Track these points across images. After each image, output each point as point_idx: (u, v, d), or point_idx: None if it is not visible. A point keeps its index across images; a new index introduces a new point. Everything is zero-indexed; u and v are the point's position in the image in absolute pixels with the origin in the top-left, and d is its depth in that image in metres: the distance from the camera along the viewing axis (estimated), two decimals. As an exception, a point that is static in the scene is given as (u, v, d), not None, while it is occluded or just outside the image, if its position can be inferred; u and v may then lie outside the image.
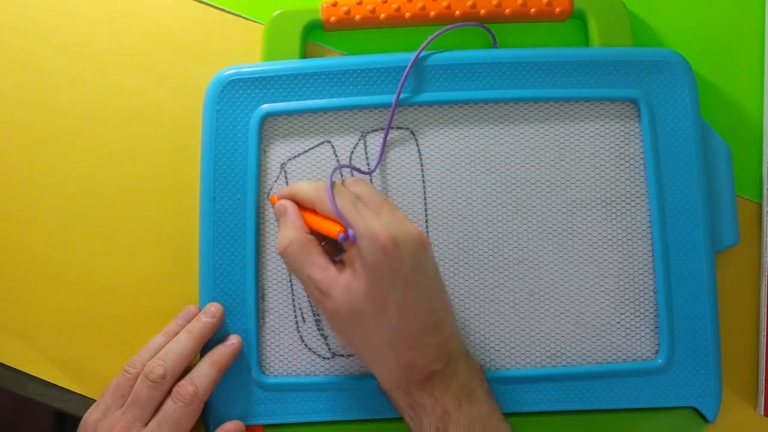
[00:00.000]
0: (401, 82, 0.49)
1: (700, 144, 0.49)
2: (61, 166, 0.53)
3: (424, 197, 0.50)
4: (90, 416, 0.46)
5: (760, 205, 0.52)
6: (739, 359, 0.51)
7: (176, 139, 0.52)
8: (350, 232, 0.41)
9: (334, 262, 0.43)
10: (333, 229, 0.42)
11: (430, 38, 0.49)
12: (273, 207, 0.48)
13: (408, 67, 0.49)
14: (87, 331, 0.52)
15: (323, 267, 0.43)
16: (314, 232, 0.45)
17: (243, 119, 0.50)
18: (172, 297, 0.51)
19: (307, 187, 0.45)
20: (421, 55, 0.50)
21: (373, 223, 0.42)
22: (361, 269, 0.41)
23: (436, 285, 0.44)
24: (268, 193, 0.50)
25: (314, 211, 0.45)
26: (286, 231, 0.45)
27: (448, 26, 0.50)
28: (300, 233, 0.44)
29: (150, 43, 0.53)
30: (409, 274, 0.41)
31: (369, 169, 0.49)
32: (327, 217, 0.44)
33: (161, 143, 0.53)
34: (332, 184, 0.43)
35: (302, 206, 0.46)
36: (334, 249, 0.45)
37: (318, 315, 0.49)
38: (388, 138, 0.50)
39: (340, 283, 0.42)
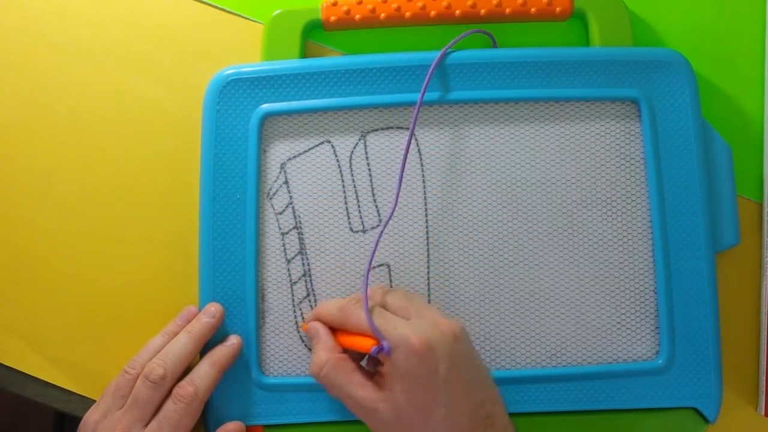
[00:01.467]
0: (425, 83, 0.48)
1: (700, 144, 0.49)
2: (61, 166, 0.53)
3: (424, 197, 0.50)
4: (90, 417, 0.46)
5: (760, 205, 0.52)
6: (740, 359, 0.51)
7: (176, 139, 0.52)
8: (384, 344, 0.41)
9: (372, 376, 0.43)
10: (366, 344, 0.42)
11: (452, 41, 0.49)
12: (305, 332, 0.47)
13: (432, 67, 0.49)
14: (87, 331, 0.52)
15: (362, 384, 0.42)
16: (347, 350, 0.44)
17: (243, 119, 0.50)
18: (172, 297, 0.51)
19: (331, 308, 0.45)
20: (421, 55, 0.50)
21: (403, 330, 0.41)
22: (400, 379, 0.41)
23: (480, 376, 0.42)
24: (268, 193, 0.50)
25: (343, 330, 0.45)
26: (318, 353, 0.44)
27: (463, 34, 0.50)
28: (333, 354, 0.44)
29: (150, 43, 0.53)
30: (448, 373, 0.41)
31: (380, 221, 0.49)
32: (357, 333, 0.43)
33: (161, 143, 0.53)
34: (354, 300, 0.43)
35: (331, 326, 0.46)
36: (371, 362, 0.44)
37: (318, 315, 0.49)
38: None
39: (383, 398, 0.41)
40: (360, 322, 0.43)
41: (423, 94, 0.48)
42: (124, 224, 0.52)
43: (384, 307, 0.44)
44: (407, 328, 0.41)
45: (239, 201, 0.49)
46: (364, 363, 0.45)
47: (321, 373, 0.43)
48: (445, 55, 0.49)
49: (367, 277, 0.45)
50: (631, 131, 0.50)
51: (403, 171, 0.47)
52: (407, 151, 0.48)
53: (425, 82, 0.48)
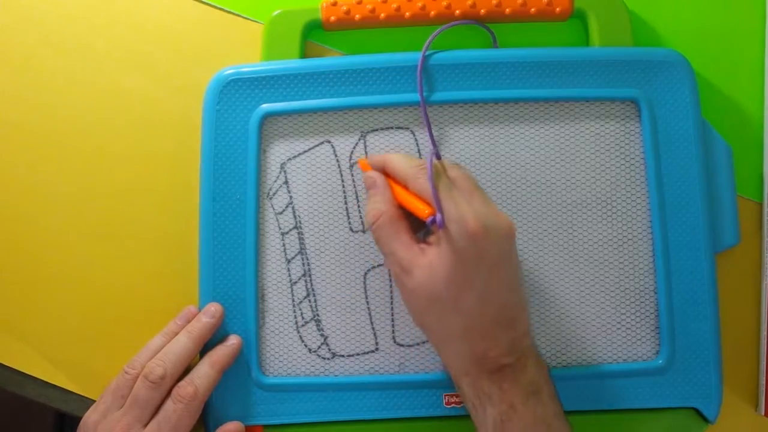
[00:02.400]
0: (419, 82, 0.49)
1: (700, 144, 0.49)
2: (61, 166, 0.53)
3: (424, 197, 0.50)
4: (90, 417, 0.46)
5: (760, 205, 0.52)
6: (740, 359, 0.51)
7: (176, 139, 0.52)
8: (438, 217, 0.41)
9: (419, 241, 0.43)
10: (423, 210, 0.42)
11: (432, 36, 0.49)
12: (362, 173, 0.47)
13: (419, 67, 0.49)
14: (87, 331, 0.52)
15: (408, 245, 0.43)
16: (400, 207, 0.44)
17: (243, 119, 0.50)
18: (172, 297, 0.51)
19: (401, 161, 0.45)
20: (420, 55, 0.50)
21: (464, 208, 0.41)
22: (447, 252, 0.41)
23: (516, 280, 0.43)
24: (268, 193, 0.50)
25: (404, 186, 0.44)
26: (376, 204, 0.44)
27: (449, 23, 0.50)
28: (390, 207, 0.44)
29: (150, 43, 0.53)
30: (493, 264, 0.41)
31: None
32: (417, 196, 0.43)
33: (161, 143, 0.53)
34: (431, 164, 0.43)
35: (392, 179, 0.45)
36: (419, 225, 0.44)
37: (318, 315, 0.49)
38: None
39: (423, 263, 0.42)
40: (424, 186, 0.42)
41: (421, 85, 0.49)
42: (124, 224, 0.52)
43: (453, 182, 0.43)
44: (468, 207, 0.41)
45: (239, 201, 0.49)
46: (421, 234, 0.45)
47: (376, 223, 0.44)
48: (449, 56, 0.50)
49: (433, 143, 0.44)
50: (631, 131, 0.50)
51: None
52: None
53: (419, 71, 0.49)
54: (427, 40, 0.49)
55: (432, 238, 0.42)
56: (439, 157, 0.47)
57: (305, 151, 0.50)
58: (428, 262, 0.42)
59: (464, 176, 0.44)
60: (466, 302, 0.41)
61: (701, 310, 0.48)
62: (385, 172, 0.46)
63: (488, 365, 0.42)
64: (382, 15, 0.51)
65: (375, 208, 0.44)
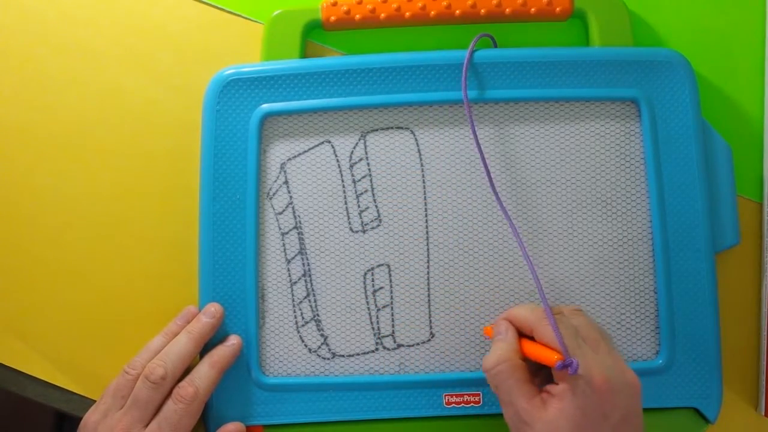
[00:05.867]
0: (463, 80, 0.49)
1: (700, 144, 0.49)
2: (61, 166, 0.53)
3: (424, 197, 0.50)
4: (90, 417, 0.46)
5: (760, 205, 0.52)
6: (740, 359, 0.51)
7: (176, 139, 0.52)
8: (574, 361, 0.39)
9: (540, 391, 0.42)
10: (551, 357, 0.40)
11: (474, 39, 0.50)
12: (487, 336, 0.46)
13: (465, 66, 0.49)
14: (87, 331, 0.52)
15: (529, 396, 0.41)
16: (526, 360, 0.43)
17: (243, 119, 0.50)
18: (172, 297, 0.51)
19: (525, 309, 0.44)
20: (421, 55, 0.50)
21: (590, 360, 0.40)
22: (570, 407, 0.39)
23: None
24: (268, 193, 0.50)
25: (530, 335, 0.43)
26: (499, 351, 0.43)
27: (480, 35, 0.50)
28: (513, 356, 0.42)
29: (150, 43, 0.53)
30: (618, 422, 0.40)
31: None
32: (544, 344, 0.42)
33: (161, 143, 0.53)
34: (552, 312, 0.42)
35: (520, 331, 0.44)
36: (543, 382, 0.43)
37: (318, 315, 0.49)
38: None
39: (545, 417, 0.40)
40: (550, 333, 0.41)
41: (465, 92, 0.49)
42: (124, 224, 0.52)
43: (576, 331, 0.42)
44: (594, 360, 0.40)
45: (239, 201, 0.49)
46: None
47: (495, 369, 0.42)
48: (449, 56, 0.50)
49: (542, 293, 0.43)
50: (631, 131, 0.50)
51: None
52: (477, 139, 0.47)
53: (463, 81, 0.49)
54: (471, 42, 0.49)
55: (554, 389, 0.41)
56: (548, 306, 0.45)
57: (305, 151, 0.50)
58: (551, 417, 0.40)
59: (589, 324, 0.43)
60: None
61: (701, 310, 0.48)
62: (513, 324, 0.45)
63: None
64: (382, 15, 0.51)
65: (498, 354, 0.43)
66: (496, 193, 0.47)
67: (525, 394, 0.41)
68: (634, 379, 0.41)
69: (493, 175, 0.50)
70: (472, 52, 0.49)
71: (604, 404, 0.40)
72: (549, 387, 0.41)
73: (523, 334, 0.44)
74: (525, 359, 0.43)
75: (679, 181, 0.49)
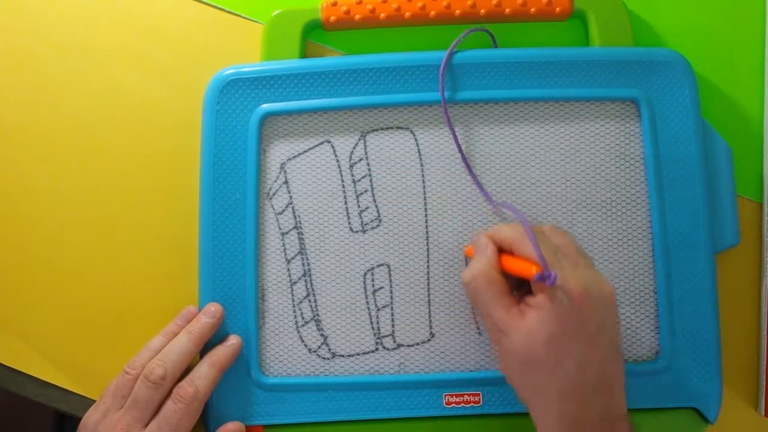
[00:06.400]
0: (440, 82, 0.49)
1: (700, 144, 0.49)
2: (61, 166, 0.53)
3: (424, 197, 0.50)
4: (90, 417, 0.46)
5: (760, 205, 0.52)
6: (740, 359, 0.51)
7: (176, 139, 0.52)
8: (552, 273, 0.40)
9: (518, 302, 0.43)
10: (529, 269, 0.41)
11: (456, 40, 0.50)
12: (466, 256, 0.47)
13: (442, 69, 0.49)
14: (87, 331, 0.52)
15: (507, 307, 0.42)
16: (506, 275, 0.44)
17: (243, 119, 0.50)
18: (172, 297, 0.51)
19: (506, 228, 0.45)
20: (420, 55, 0.50)
21: (568, 273, 0.41)
22: (547, 316, 0.40)
23: (615, 346, 0.43)
24: (268, 193, 0.50)
25: (509, 252, 0.44)
26: (476, 263, 0.44)
27: (470, 29, 0.50)
28: (490, 269, 0.43)
29: (150, 43, 0.53)
30: (595, 331, 0.41)
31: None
32: (523, 259, 0.43)
33: (161, 143, 0.53)
34: (533, 230, 0.43)
35: (500, 248, 0.45)
36: (522, 297, 0.43)
37: (318, 315, 0.49)
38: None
39: (522, 326, 0.41)
40: (530, 249, 0.42)
41: (443, 92, 0.49)
42: (124, 224, 0.52)
43: (557, 249, 0.43)
44: (573, 273, 0.41)
45: (239, 201, 0.49)
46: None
47: (473, 282, 0.43)
48: (448, 55, 0.50)
49: (520, 213, 0.44)
50: (631, 131, 0.50)
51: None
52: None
53: (441, 82, 0.49)
54: (452, 43, 0.49)
55: (532, 300, 0.42)
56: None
57: (305, 151, 0.50)
58: (527, 326, 0.41)
59: (569, 242, 0.44)
60: (565, 368, 0.40)
61: (701, 310, 0.48)
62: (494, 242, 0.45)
63: (581, 429, 0.41)
64: (382, 15, 0.51)
65: (474, 267, 0.44)
66: (469, 169, 0.48)
67: (503, 306, 0.42)
68: (610, 289, 0.42)
69: (493, 175, 0.50)
70: (459, 42, 0.49)
71: (582, 314, 0.40)
72: (527, 299, 0.42)
73: (503, 252, 0.44)
74: (505, 275, 0.43)
75: (679, 181, 0.49)
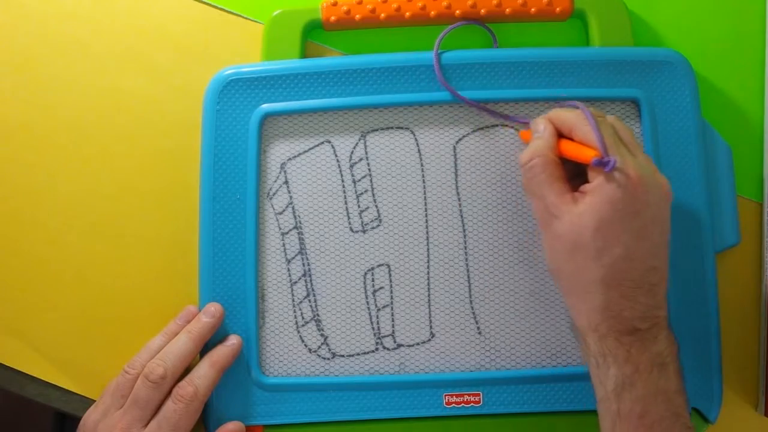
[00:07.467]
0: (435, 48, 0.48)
1: (700, 144, 0.49)
2: (61, 166, 0.53)
3: (424, 197, 0.50)
4: (90, 417, 0.46)
5: (761, 205, 0.52)
6: (740, 359, 0.51)
7: (176, 139, 0.52)
8: (612, 159, 0.39)
9: (572, 189, 0.42)
10: (588, 154, 0.40)
11: (440, 36, 0.49)
12: (522, 139, 0.47)
13: (436, 64, 0.49)
14: (87, 331, 0.52)
15: (560, 191, 0.41)
16: (564, 161, 0.43)
17: (243, 119, 0.50)
18: (172, 297, 0.51)
19: (566, 112, 0.44)
20: (420, 55, 0.50)
21: (628, 159, 0.40)
22: (602, 201, 0.40)
23: (664, 242, 0.42)
24: (268, 193, 0.50)
25: (569, 137, 0.43)
26: (537, 145, 0.43)
27: (455, 24, 0.50)
28: (548, 152, 0.42)
29: (150, 43, 0.53)
30: (648, 222, 0.40)
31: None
32: (583, 143, 0.42)
33: (161, 143, 0.53)
34: (593, 115, 0.42)
35: (559, 133, 0.44)
36: (577, 186, 0.43)
37: (318, 315, 0.49)
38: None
39: (574, 210, 0.40)
40: (590, 133, 0.41)
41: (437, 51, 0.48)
42: (124, 224, 0.52)
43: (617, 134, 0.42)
44: (631, 160, 0.40)
45: (239, 201, 0.49)
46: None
47: (530, 163, 0.42)
48: (443, 50, 0.50)
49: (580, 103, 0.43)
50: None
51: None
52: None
53: (436, 67, 0.49)
54: (437, 40, 0.49)
55: (587, 187, 0.41)
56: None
57: (305, 151, 0.50)
58: (580, 209, 0.40)
59: (629, 131, 0.43)
60: (612, 256, 0.40)
61: (701, 309, 0.48)
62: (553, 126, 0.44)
63: (621, 326, 0.40)
64: (382, 15, 0.51)
65: (533, 148, 0.43)
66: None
67: (556, 190, 0.41)
68: (666, 184, 0.42)
69: (493, 175, 0.50)
70: (447, 33, 0.50)
71: (636, 201, 0.40)
72: (582, 187, 0.41)
73: (562, 137, 0.44)
74: (562, 159, 0.43)
75: (679, 181, 0.49)
